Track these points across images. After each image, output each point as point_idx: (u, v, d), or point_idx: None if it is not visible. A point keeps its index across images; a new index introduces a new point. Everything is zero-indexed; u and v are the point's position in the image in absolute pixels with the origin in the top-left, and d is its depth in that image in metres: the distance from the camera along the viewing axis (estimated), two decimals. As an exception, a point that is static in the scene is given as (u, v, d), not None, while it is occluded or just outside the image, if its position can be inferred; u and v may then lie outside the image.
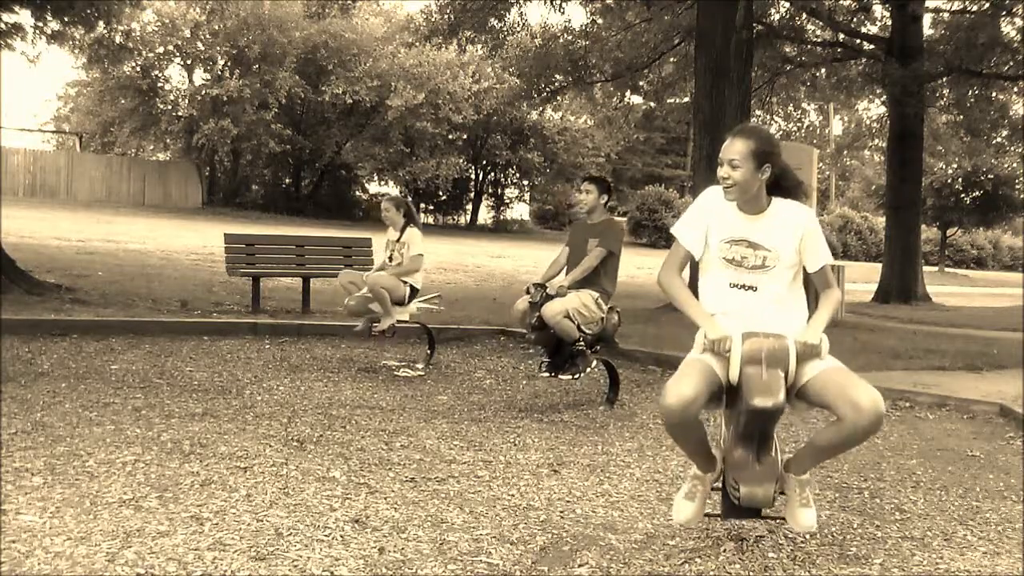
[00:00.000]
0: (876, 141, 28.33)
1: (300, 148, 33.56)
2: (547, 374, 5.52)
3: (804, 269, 3.13)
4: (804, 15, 17.11)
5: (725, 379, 2.90)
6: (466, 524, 3.20)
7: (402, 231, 6.73)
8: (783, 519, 3.07)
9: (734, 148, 2.97)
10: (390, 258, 6.76)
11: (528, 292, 5.43)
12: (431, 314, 7.06)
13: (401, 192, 36.45)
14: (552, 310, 5.23)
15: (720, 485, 3.14)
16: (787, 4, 16.76)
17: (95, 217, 23.07)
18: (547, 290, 5.37)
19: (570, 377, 5.48)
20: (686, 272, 3.26)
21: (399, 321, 6.57)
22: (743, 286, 3.05)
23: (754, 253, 3.03)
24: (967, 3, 17.02)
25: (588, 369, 5.49)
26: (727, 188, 3.00)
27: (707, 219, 3.11)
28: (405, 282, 6.58)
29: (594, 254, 5.54)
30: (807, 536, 3.23)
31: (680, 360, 3.04)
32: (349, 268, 7.72)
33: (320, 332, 7.88)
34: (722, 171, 2.99)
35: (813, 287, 3.23)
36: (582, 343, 5.40)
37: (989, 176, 30.74)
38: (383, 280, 6.43)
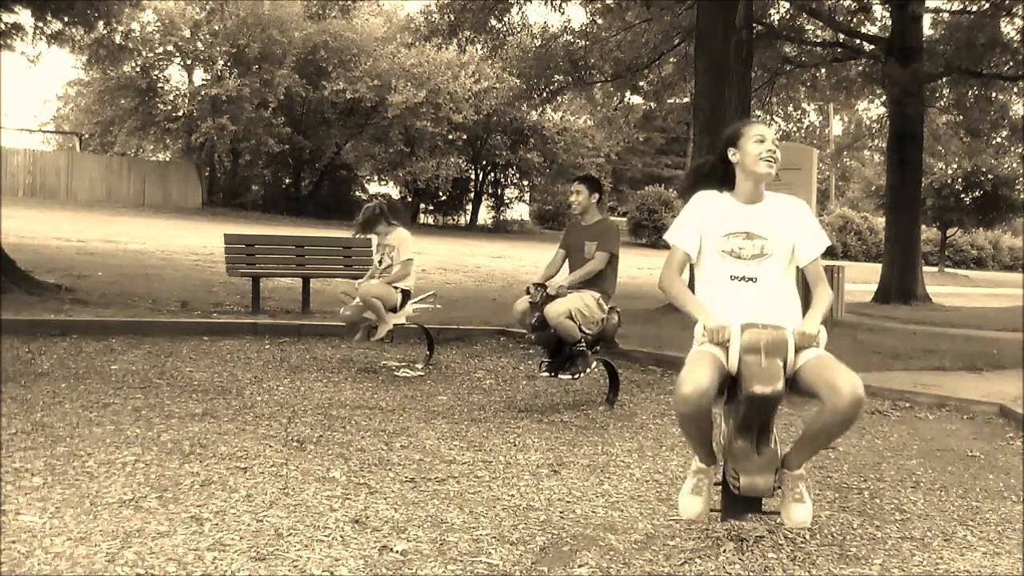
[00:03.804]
0: (876, 141, 28.38)
1: (300, 148, 33.55)
2: (547, 374, 5.51)
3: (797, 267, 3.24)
4: (804, 15, 17.11)
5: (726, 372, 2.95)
6: (466, 524, 3.20)
7: (388, 233, 6.70)
8: (778, 513, 3.10)
9: (772, 132, 3.17)
10: (380, 261, 6.74)
11: (528, 292, 5.43)
12: (430, 313, 7.06)
13: (400, 192, 36.48)
14: (555, 310, 5.22)
15: (720, 478, 3.17)
16: (787, 4, 16.77)
17: (95, 217, 23.08)
18: (547, 290, 5.38)
19: (570, 377, 5.46)
20: (686, 274, 3.30)
21: (396, 325, 6.56)
22: (743, 278, 3.11)
23: (751, 243, 3.12)
24: (967, 3, 17.03)
25: (588, 370, 5.48)
26: (772, 163, 3.14)
27: (700, 220, 3.20)
28: (397, 287, 6.56)
29: (598, 259, 5.53)
30: (807, 536, 3.23)
31: (681, 361, 3.05)
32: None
33: (320, 332, 7.88)
34: (767, 145, 3.13)
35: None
36: (583, 344, 5.40)
37: (989, 176, 30.73)
38: (375, 290, 6.42)
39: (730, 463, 2.99)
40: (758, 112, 19.08)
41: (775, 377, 2.78)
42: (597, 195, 5.74)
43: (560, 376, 5.48)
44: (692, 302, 3.14)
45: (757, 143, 3.12)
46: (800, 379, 2.93)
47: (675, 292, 3.19)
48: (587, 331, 5.40)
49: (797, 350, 2.91)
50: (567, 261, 5.84)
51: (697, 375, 2.82)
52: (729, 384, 2.99)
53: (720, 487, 3.21)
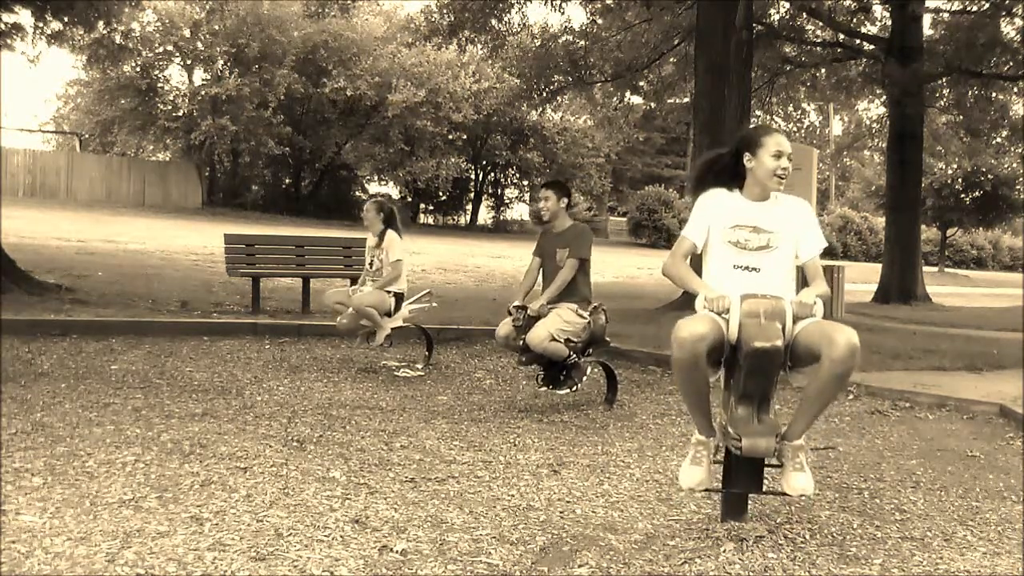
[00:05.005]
0: (876, 141, 28.36)
1: (300, 148, 33.55)
2: (544, 388, 5.52)
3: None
4: (804, 15, 17.11)
5: (726, 342, 3.07)
6: (466, 524, 3.20)
7: (381, 236, 6.69)
8: (782, 494, 3.20)
9: (788, 144, 3.29)
10: (371, 264, 6.73)
11: (510, 314, 5.42)
12: (428, 313, 7.05)
13: (400, 192, 36.49)
14: (537, 337, 5.20)
15: (720, 458, 3.25)
16: (787, 4, 16.76)
17: (95, 217, 23.08)
18: (527, 312, 5.35)
19: (568, 391, 5.48)
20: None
21: (394, 328, 6.55)
22: (746, 267, 3.24)
23: (757, 236, 3.26)
24: (967, 3, 17.02)
25: (584, 379, 5.49)
26: (783, 180, 3.28)
27: (709, 214, 3.35)
28: (389, 291, 6.55)
29: (568, 267, 5.48)
30: (807, 536, 3.23)
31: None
32: (337, 288, 7.63)
33: (320, 332, 7.87)
34: (783, 162, 3.26)
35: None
36: (574, 356, 5.39)
37: (989, 176, 30.73)
38: (368, 299, 6.41)
39: (732, 431, 3.08)
40: (758, 112, 19.09)
41: (774, 335, 2.91)
42: (566, 200, 5.68)
43: (558, 392, 5.49)
44: (693, 279, 3.30)
45: (774, 158, 3.24)
46: (798, 343, 3.05)
47: (678, 273, 3.35)
48: (575, 341, 5.39)
49: (795, 320, 3.04)
50: (542, 269, 5.80)
51: (694, 324, 2.95)
52: (728, 354, 3.10)
53: (720, 493, 3.27)
